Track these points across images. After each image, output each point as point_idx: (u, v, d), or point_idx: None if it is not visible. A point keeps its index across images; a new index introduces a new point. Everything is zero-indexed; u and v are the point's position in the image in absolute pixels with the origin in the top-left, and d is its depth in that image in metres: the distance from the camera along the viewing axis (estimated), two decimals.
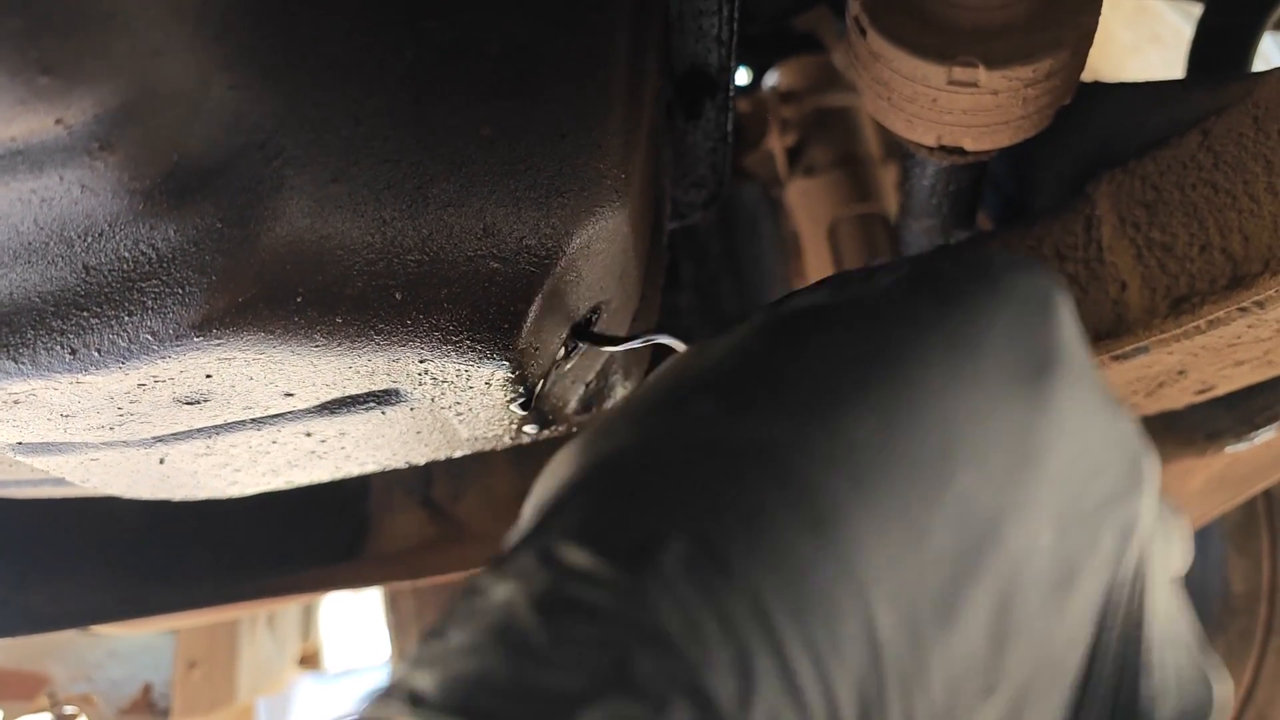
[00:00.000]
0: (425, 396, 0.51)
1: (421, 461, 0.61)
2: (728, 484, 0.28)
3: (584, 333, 0.53)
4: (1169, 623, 0.37)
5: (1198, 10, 0.77)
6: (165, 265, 0.40)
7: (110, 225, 0.39)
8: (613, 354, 0.61)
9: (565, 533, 0.27)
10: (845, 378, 0.31)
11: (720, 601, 0.25)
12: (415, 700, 0.24)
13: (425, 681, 0.24)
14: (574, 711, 0.22)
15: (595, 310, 0.53)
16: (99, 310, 0.40)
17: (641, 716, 0.22)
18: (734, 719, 0.23)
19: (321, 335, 0.45)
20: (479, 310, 0.46)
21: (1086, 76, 0.60)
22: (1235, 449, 0.84)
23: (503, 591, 0.26)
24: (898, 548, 0.27)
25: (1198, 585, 1.22)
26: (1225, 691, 0.39)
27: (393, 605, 1.61)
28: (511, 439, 0.58)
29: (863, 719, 0.25)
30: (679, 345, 0.51)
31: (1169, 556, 0.39)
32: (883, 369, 0.31)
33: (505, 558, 0.28)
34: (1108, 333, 0.61)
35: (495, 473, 1.00)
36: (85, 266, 0.39)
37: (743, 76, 1.32)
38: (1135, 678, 0.35)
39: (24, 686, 1.20)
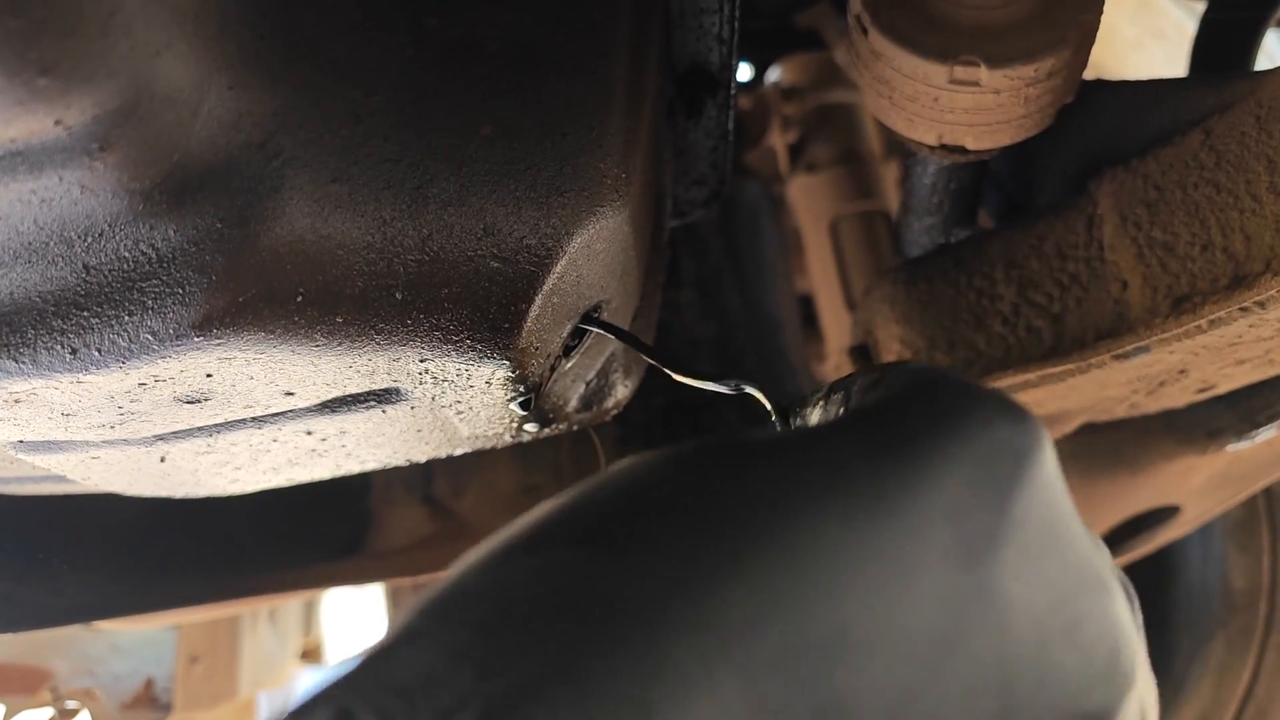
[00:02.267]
0: (426, 395, 0.51)
1: (422, 459, 0.61)
2: (557, 648, 0.25)
3: (679, 367, 0.51)
4: None
5: (1201, 6, 0.77)
6: (165, 265, 0.40)
7: (110, 225, 0.39)
8: (613, 352, 0.61)
9: (367, 693, 0.25)
10: (736, 537, 0.27)
11: None
12: None
13: None
14: None
15: (596, 309, 0.53)
16: (99, 310, 0.40)
17: None
18: None
19: (322, 335, 0.45)
20: (479, 310, 0.46)
21: (1089, 72, 0.60)
22: (1236, 447, 0.84)
23: None
24: None
25: (1199, 582, 1.22)
26: None
27: (394, 600, 1.61)
28: (512, 437, 0.58)
29: None
30: (761, 398, 0.48)
31: None
32: (778, 533, 0.27)
33: (315, 698, 0.26)
34: (1109, 332, 0.61)
35: (496, 469, 1.00)
36: (85, 266, 0.39)
37: (744, 72, 1.32)
38: None
39: (26, 681, 1.20)
